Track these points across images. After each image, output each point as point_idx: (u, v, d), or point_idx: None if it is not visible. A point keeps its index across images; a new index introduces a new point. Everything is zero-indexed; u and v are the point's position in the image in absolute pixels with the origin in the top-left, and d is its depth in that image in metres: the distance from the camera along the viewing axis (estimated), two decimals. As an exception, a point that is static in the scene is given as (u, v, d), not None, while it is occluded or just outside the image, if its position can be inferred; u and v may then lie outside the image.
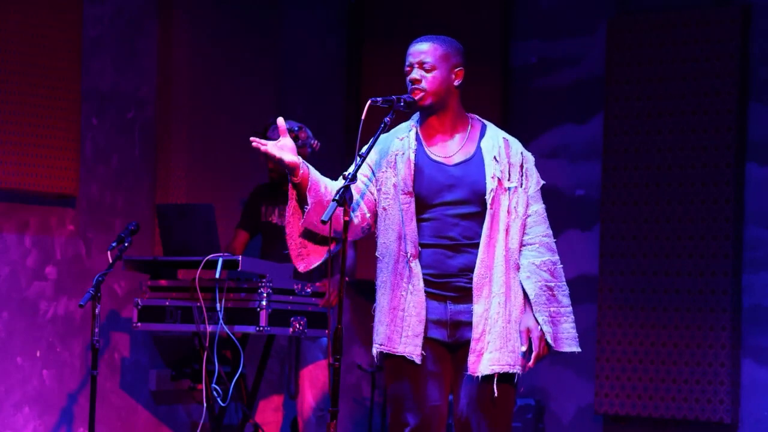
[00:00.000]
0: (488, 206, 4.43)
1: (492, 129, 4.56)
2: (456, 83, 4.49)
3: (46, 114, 6.22)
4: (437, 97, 4.46)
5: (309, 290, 6.11)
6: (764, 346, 6.94)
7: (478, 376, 4.39)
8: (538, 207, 4.56)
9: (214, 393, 6.00)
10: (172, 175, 6.85)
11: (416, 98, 4.45)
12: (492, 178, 4.43)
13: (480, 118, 4.61)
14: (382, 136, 4.50)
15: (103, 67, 6.61)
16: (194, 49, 6.97)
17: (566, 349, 4.47)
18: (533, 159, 4.58)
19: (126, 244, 5.93)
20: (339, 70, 8.01)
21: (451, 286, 4.46)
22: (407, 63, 4.48)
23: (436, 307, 4.47)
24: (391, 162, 4.52)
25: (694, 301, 7.01)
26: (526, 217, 4.51)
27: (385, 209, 4.52)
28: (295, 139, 6.39)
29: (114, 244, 5.92)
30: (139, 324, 6.14)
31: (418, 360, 4.44)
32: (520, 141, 4.60)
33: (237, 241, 6.59)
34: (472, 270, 4.42)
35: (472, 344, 4.40)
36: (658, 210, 7.14)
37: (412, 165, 4.48)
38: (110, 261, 5.88)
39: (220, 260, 5.79)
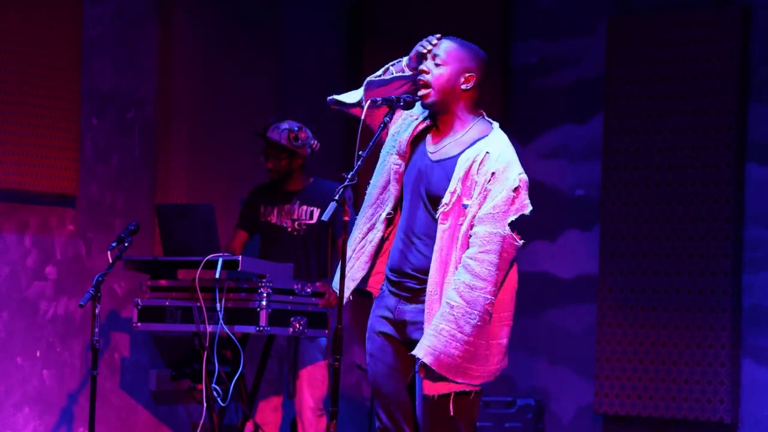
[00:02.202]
0: (439, 219, 4.35)
1: (488, 140, 4.39)
2: (463, 87, 4.41)
3: (46, 114, 6.22)
4: (440, 96, 4.41)
5: (309, 290, 6.11)
6: (764, 346, 6.93)
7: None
8: (482, 229, 4.28)
9: (214, 393, 6.00)
10: (172, 175, 6.85)
11: (420, 93, 4.42)
12: (451, 193, 4.34)
13: (492, 124, 4.49)
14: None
15: (103, 67, 6.61)
16: (194, 49, 6.97)
17: (450, 376, 4.26)
18: (514, 182, 4.30)
19: (126, 244, 5.93)
20: (339, 70, 8.01)
21: (403, 286, 4.47)
22: (425, 50, 4.45)
23: (392, 304, 4.49)
24: (405, 121, 4.54)
25: (694, 301, 7.01)
26: (467, 237, 4.31)
27: (389, 153, 4.55)
28: (295, 138, 6.38)
29: (114, 244, 5.92)
30: (139, 324, 6.14)
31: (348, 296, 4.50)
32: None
33: (236, 241, 6.59)
34: (422, 272, 4.39)
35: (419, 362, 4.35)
36: (658, 210, 7.14)
37: (412, 136, 4.49)
38: (110, 261, 5.88)
39: (220, 260, 5.79)
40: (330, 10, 7.96)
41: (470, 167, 4.33)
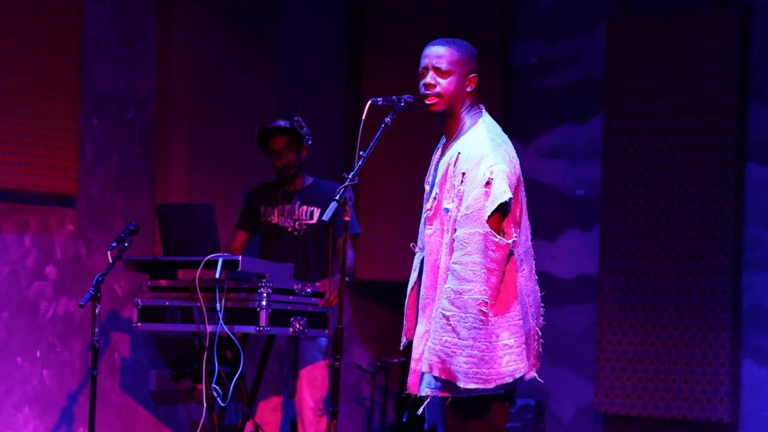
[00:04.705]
0: (425, 225, 4.36)
1: (464, 139, 4.34)
2: (468, 89, 4.38)
3: (46, 114, 6.22)
4: (449, 104, 4.36)
5: (309, 290, 6.11)
6: (764, 346, 6.94)
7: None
8: (461, 232, 4.20)
9: (214, 393, 6.00)
10: (172, 175, 6.85)
11: (428, 103, 4.36)
12: (433, 198, 4.34)
13: (477, 116, 4.41)
14: None
15: (103, 67, 6.61)
16: (194, 49, 6.97)
17: (461, 384, 4.17)
18: (484, 177, 4.19)
19: (126, 244, 5.93)
20: (339, 70, 8.01)
21: None
22: (422, 65, 4.37)
23: None
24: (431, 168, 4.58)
25: (694, 301, 7.02)
26: (452, 242, 4.26)
27: None
28: (300, 127, 6.37)
29: (114, 244, 5.92)
30: (139, 324, 6.14)
31: (404, 342, 4.48)
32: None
33: (236, 241, 6.58)
34: None
35: (412, 364, 4.34)
36: (658, 210, 7.15)
37: (430, 174, 4.50)
38: (110, 261, 5.88)
39: (220, 260, 5.79)
40: (330, 10, 7.96)
41: (446, 170, 4.30)
